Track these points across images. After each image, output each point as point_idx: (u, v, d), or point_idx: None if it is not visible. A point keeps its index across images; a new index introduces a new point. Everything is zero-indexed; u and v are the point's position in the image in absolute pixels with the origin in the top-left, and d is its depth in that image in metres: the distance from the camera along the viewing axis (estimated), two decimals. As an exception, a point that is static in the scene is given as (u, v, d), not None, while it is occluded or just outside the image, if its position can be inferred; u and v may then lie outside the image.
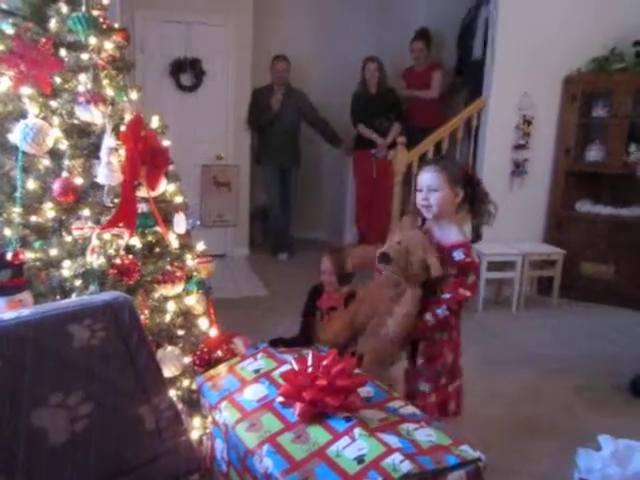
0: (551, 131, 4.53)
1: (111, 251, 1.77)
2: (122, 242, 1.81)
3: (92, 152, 1.85)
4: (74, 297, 1.71)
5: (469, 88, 5.03)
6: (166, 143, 1.98)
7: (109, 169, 1.77)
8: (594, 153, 4.48)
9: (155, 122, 2.01)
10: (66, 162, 1.82)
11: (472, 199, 2.05)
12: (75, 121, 1.85)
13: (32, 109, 1.77)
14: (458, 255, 1.92)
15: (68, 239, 1.80)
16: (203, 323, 2.04)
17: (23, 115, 1.77)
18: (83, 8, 1.88)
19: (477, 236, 2.09)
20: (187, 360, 1.94)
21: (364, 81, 5.13)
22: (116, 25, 2.04)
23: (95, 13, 1.92)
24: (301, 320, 2.58)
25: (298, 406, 1.52)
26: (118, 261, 1.76)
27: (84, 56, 1.86)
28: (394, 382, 1.98)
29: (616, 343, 3.72)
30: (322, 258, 2.51)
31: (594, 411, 2.81)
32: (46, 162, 1.83)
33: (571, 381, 3.13)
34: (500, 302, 4.44)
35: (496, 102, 4.33)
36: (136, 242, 1.89)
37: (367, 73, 5.08)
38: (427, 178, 2.00)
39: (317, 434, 1.45)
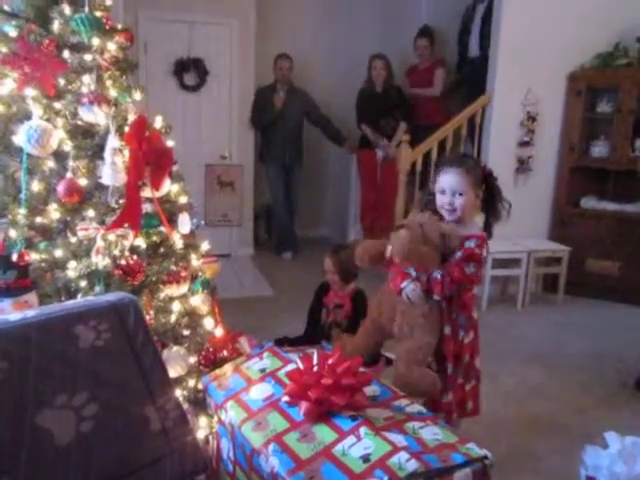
0: (556, 127, 4.51)
1: (116, 252, 1.77)
2: (127, 243, 1.81)
3: (96, 153, 1.85)
4: (79, 298, 1.71)
5: (467, 85, 5.00)
6: (170, 143, 1.99)
7: (113, 170, 1.77)
8: (599, 149, 4.46)
9: (159, 122, 2.01)
10: (70, 163, 1.83)
11: (488, 196, 2.02)
12: (79, 122, 1.85)
13: (36, 111, 1.77)
14: (469, 243, 1.91)
15: (73, 240, 1.80)
16: (208, 323, 2.04)
17: (27, 117, 1.78)
18: (86, 9, 1.88)
19: (490, 234, 2.05)
20: (193, 360, 1.94)
21: (370, 79, 5.08)
22: (119, 26, 2.04)
23: (98, 14, 1.92)
24: (307, 318, 2.59)
25: (304, 405, 1.52)
26: (123, 262, 1.76)
27: (87, 57, 1.86)
28: (436, 381, 1.87)
29: (622, 340, 3.70)
30: (324, 258, 2.52)
31: (600, 408, 2.80)
32: (50, 163, 1.83)
33: (577, 378, 3.13)
34: (505, 299, 4.43)
35: (500, 99, 4.31)
36: (141, 242, 1.89)
37: (373, 71, 5.03)
38: (452, 181, 1.94)
39: (323, 433, 1.45)
